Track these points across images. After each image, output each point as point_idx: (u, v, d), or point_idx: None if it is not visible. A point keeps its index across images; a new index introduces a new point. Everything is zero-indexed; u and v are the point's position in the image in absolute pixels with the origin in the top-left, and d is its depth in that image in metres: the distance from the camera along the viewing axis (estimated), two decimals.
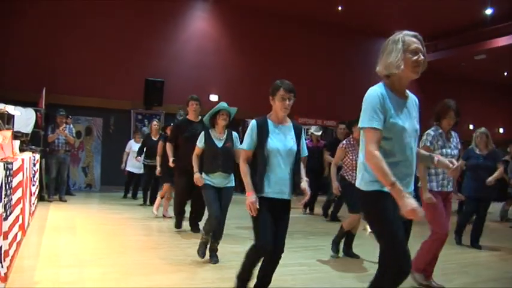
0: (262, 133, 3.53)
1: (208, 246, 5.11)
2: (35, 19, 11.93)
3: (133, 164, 10.75)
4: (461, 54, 17.01)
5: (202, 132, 5.29)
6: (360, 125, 2.71)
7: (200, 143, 5.23)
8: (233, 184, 5.24)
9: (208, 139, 5.17)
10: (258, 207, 3.41)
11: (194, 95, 6.85)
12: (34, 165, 7.54)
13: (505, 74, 19.64)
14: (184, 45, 14.15)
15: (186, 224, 7.02)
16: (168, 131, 8.39)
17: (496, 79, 20.54)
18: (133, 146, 10.81)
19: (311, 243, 6.57)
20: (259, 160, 3.50)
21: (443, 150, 4.54)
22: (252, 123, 3.60)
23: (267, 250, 3.46)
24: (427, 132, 4.66)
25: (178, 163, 6.61)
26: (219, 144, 5.15)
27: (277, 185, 3.48)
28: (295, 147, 3.59)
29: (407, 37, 2.72)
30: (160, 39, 13.70)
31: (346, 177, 5.81)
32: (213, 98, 14.31)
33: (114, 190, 11.90)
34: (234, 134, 5.37)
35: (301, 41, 15.73)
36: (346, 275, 4.99)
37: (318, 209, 9.94)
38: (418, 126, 2.81)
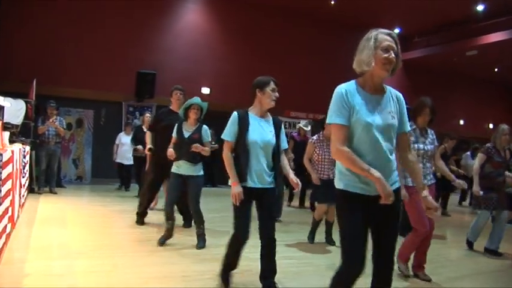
0: (243, 124, 3.72)
1: (195, 232, 5.55)
2: (26, 10, 11.83)
3: (123, 156, 11.03)
4: (453, 50, 17.07)
5: (177, 124, 5.62)
6: (327, 120, 2.73)
7: (174, 132, 5.58)
8: (201, 173, 5.55)
9: (179, 130, 5.53)
10: (242, 197, 3.62)
11: (179, 85, 6.85)
12: (24, 157, 7.50)
13: (496, 70, 19.75)
14: (176, 38, 14.10)
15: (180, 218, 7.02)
16: None
17: (487, 75, 20.66)
18: (123, 138, 11.15)
19: (300, 237, 6.59)
20: (241, 151, 3.70)
21: (416, 145, 4.66)
22: (234, 114, 3.80)
23: (245, 238, 3.71)
24: None
25: (154, 154, 6.76)
26: (186, 134, 5.46)
27: (259, 175, 3.70)
28: (273, 140, 3.78)
29: (381, 35, 2.68)
30: (152, 32, 13.63)
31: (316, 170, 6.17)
32: (205, 90, 14.29)
33: (105, 182, 11.87)
34: (205, 127, 5.59)
35: (293, 35, 15.72)
36: (335, 267, 5.01)
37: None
38: (393, 121, 2.71)
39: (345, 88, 2.69)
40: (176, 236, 6.06)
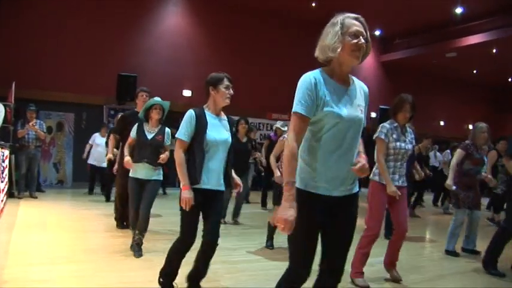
0: (201, 124, 3.50)
1: (134, 238, 5.20)
2: (4, 12, 11.68)
3: (96, 158, 10.65)
4: (433, 52, 17.28)
5: (136, 124, 5.33)
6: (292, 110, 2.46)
7: (133, 133, 5.28)
8: (160, 178, 5.31)
9: (140, 130, 5.24)
10: (193, 203, 3.42)
11: (144, 87, 6.63)
12: (3, 161, 7.40)
13: (475, 71, 20.03)
14: (157, 41, 14.05)
15: (158, 221, 6.99)
16: None
17: (466, 77, 20.94)
18: (97, 139, 10.78)
19: (283, 238, 6.58)
20: (196, 151, 3.47)
21: (397, 143, 4.56)
22: (190, 112, 3.54)
23: (192, 243, 3.54)
24: (382, 124, 4.65)
25: (121, 160, 6.20)
26: (149, 136, 5.21)
27: (214, 176, 3.52)
28: (230, 140, 3.63)
29: (348, 19, 2.44)
30: (134, 34, 13.58)
31: (280, 169, 5.86)
32: (186, 93, 14.26)
33: (86, 186, 11.73)
34: (167, 130, 5.37)
35: (275, 37, 15.77)
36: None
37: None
38: (361, 116, 2.49)
39: (314, 76, 2.42)
40: (158, 240, 6.03)
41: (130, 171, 5.22)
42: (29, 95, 11.03)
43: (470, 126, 6.40)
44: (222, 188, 3.62)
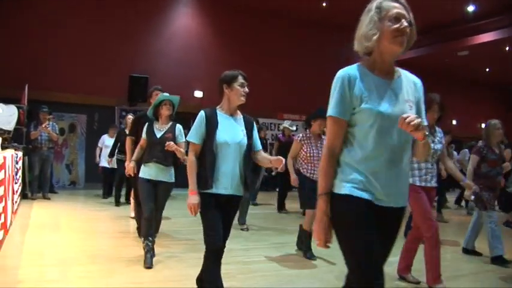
0: (211, 124, 3.31)
1: (148, 244, 4.79)
2: (17, 15, 11.79)
3: (106, 159, 10.18)
4: (444, 50, 17.14)
5: (146, 124, 5.16)
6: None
7: (143, 134, 5.12)
8: (172, 180, 5.13)
9: (149, 130, 5.07)
10: (200, 210, 3.25)
11: (159, 86, 6.28)
12: (17, 162, 7.46)
13: (487, 70, 19.85)
14: (168, 41, 14.10)
15: (167, 223, 7.00)
16: None
17: (478, 75, 20.75)
18: (106, 140, 10.57)
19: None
20: (207, 153, 3.26)
21: None
22: (200, 113, 3.37)
23: (221, 249, 3.28)
24: None
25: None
26: (158, 134, 5.01)
27: (227, 180, 3.27)
28: (245, 141, 3.37)
29: (386, 2, 2.17)
30: (145, 35, 13.63)
31: (301, 170, 5.68)
32: (198, 94, 14.29)
33: (98, 187, 11.80)
34: (179, 126, 5.17)
35: (285, 38, 15.76)
36: (332, 269, 5.02)
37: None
38: (411, 112, 2.15)
39: (348, 72, 2.19)
40: (169, 241, 6.05)
41: (141, 171, 5.03)
42: (41, 97, 11.12)
43: (483, 125, 6.20)
44: (238, 192, 3.37)
